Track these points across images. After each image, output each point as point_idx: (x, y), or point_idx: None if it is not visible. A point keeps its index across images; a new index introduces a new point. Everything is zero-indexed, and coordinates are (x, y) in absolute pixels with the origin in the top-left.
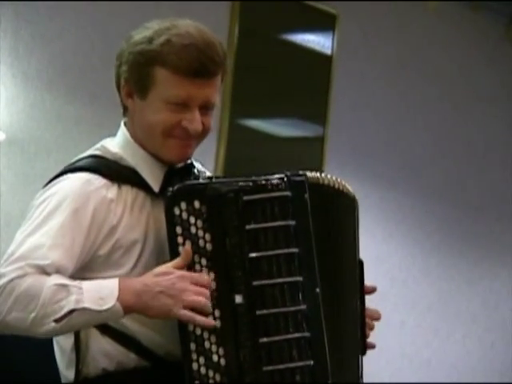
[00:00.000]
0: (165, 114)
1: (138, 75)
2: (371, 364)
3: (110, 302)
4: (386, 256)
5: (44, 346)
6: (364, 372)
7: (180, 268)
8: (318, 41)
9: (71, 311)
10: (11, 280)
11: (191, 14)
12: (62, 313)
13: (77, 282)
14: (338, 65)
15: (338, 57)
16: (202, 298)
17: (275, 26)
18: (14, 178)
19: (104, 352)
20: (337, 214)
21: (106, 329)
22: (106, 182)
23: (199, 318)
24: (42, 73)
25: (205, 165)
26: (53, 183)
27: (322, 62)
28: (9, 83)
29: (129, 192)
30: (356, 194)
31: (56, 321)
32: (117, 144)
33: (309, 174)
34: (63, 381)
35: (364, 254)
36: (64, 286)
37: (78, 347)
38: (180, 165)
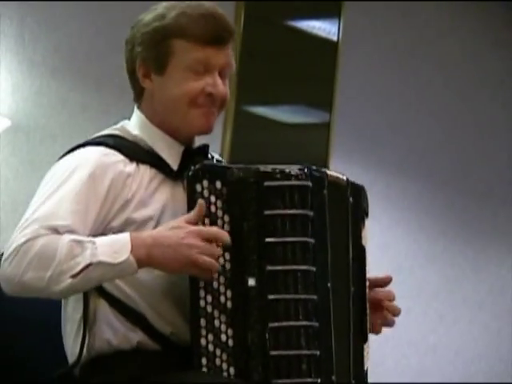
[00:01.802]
0: (187, 83)
1: (155, 51)
2: (377, 351)
3: (124, 255)
4: (391, 243)
5: (49, 332)
6: (370, 359)
7: (193, 223)
8: (323, 27)
9: (87, 266)
10: (26, 242)
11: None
12: (79, 268)
13: (90, 238)
14: (343, 51)
15: (344, 43)
16: (209, 259)
17: (281, 12)
18: (20, 164)
19: (110, 323)
20: (347, 211)
21: (114, 301)
22: (124, 159)
23: (206, 275)
24: (48, 60)
25: (211, 151)
26: (71, 153)
27: (327, 48)
28: (14, 70)
29: (147, 171)
30: (362, 180)
31: (73, 276)
32: (134, 126)
33: (328, 171)
34: (70, 356)
35: (370, 240)
36: (78, 241)
37: (87, 316)
38: (196, 146)
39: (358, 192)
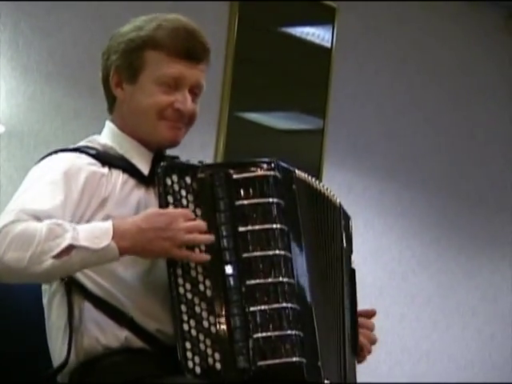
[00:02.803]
0: (157, 96)
1: (129, 60)
2: (371, 356)
3: (105, 241)
4: (385, 249)
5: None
6: (363, 364)
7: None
8: (317, 34)
9: (69, 247)
10: (5, 225)
11: (191, 6)
12: (60, 249)
13: (71, 224)
14: (337, 58)
15: (338, 50)
16: (197, 235)
17: (275, 18)
18: (14, 170)
19: (97, 323)
20: (323, 215)
21: (99, 302)
22: (97, 163)
23: (194, 256)
24: (42, 66)
25: (204, 158)
26: (42, 160)
27: (321, 54)
28: (8, 76)
29: (119, 175)
30: (355, 186)
31: (54, 257)
32: (105, 137)
33: (297, 170)
34: (59, 362)
35: (363, 246)
36: (59, 224)
37: (72, 317)
38: (166, 153)
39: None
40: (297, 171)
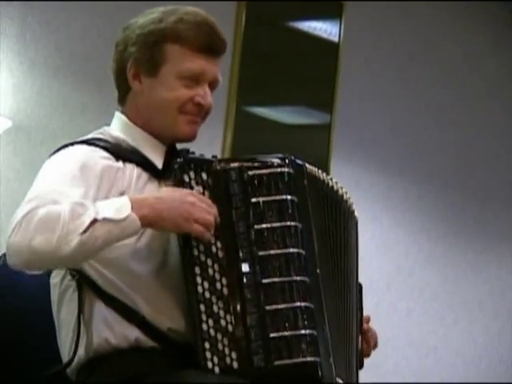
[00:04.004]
0: (179, 90)
1: (149, 53)
2: (378, 351)
3: (126, 211)
4: (392, 244)
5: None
6: (370, 359)
7: None
8: (324, 28)
9: (92, 222)
10: (28, 212)
11: (198, 1)
12: (85, 226)
13: (89, 201)
14: (344, 52)
15: (345, 44)
16: (211, 217)
17: (282, 13)
18: (21, 165)
19: (107, 322)
20: (334, 211)
21: (109, 300)
22: (111, 157)
23: (208, 235)
24: (49, 60)
25: (212, 152)
26: (57, 153)
27: (328, 49)
28: (16, 70)
29: (133, 170)
30: (363, 182)
31: (81, 234)
32: (115, 129)
33: (307, 165)
34: (66, 357)
35: (371, 242)
36: (79, 203)
37: (82, 316)
38: (179, 147)
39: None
40: (307, 165)
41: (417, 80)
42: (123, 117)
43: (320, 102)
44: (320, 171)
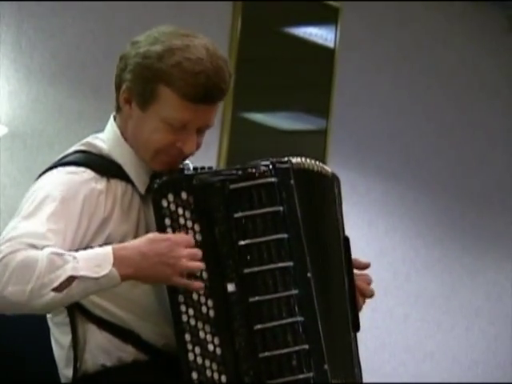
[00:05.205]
0: (161, 134)
1: (141, 88)
2: (375, 357)
3: (106, 268)
4: (389, 249)
5: (43, 342)
6: (367, 365)
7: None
8: (320, 34)
9: (69, 278)
10: (4, 256)
11: (194, 8)
12: (60, 281)
13: (70, 252)
14: (340, 58)
15: (341, 50)
16: (198, 263)
17: (278, 18)
18: (17, 171)
19: (102, 348)
20: (320, 196)
21: (103, 324)
22: (95, 175)
23: (195, 284)
24: (45, 67)
25: (207, 158)
26: (41, 178)
27: (324, 55)
28: (11, 77)
29: (118, 185)
30: (359, 187)
31: (54, 290)
32: (106, 139)
33: (293, 159)
34: (62, 380)
35: (367, 247)
36: (59, 254)
37: (76, 344)
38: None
39: (332, 182)
40: (293, 161)
41: (413, 85)
42: (115, 126)
43: (316, 107)
44: (304, 159)
